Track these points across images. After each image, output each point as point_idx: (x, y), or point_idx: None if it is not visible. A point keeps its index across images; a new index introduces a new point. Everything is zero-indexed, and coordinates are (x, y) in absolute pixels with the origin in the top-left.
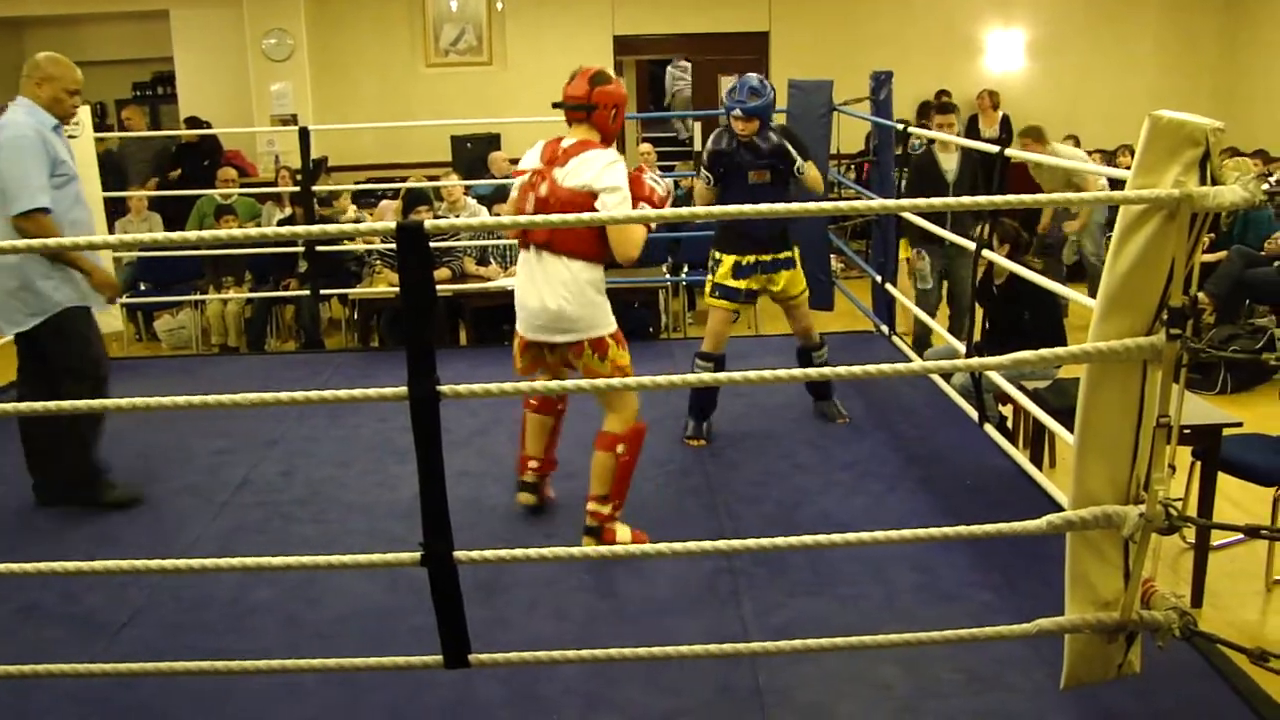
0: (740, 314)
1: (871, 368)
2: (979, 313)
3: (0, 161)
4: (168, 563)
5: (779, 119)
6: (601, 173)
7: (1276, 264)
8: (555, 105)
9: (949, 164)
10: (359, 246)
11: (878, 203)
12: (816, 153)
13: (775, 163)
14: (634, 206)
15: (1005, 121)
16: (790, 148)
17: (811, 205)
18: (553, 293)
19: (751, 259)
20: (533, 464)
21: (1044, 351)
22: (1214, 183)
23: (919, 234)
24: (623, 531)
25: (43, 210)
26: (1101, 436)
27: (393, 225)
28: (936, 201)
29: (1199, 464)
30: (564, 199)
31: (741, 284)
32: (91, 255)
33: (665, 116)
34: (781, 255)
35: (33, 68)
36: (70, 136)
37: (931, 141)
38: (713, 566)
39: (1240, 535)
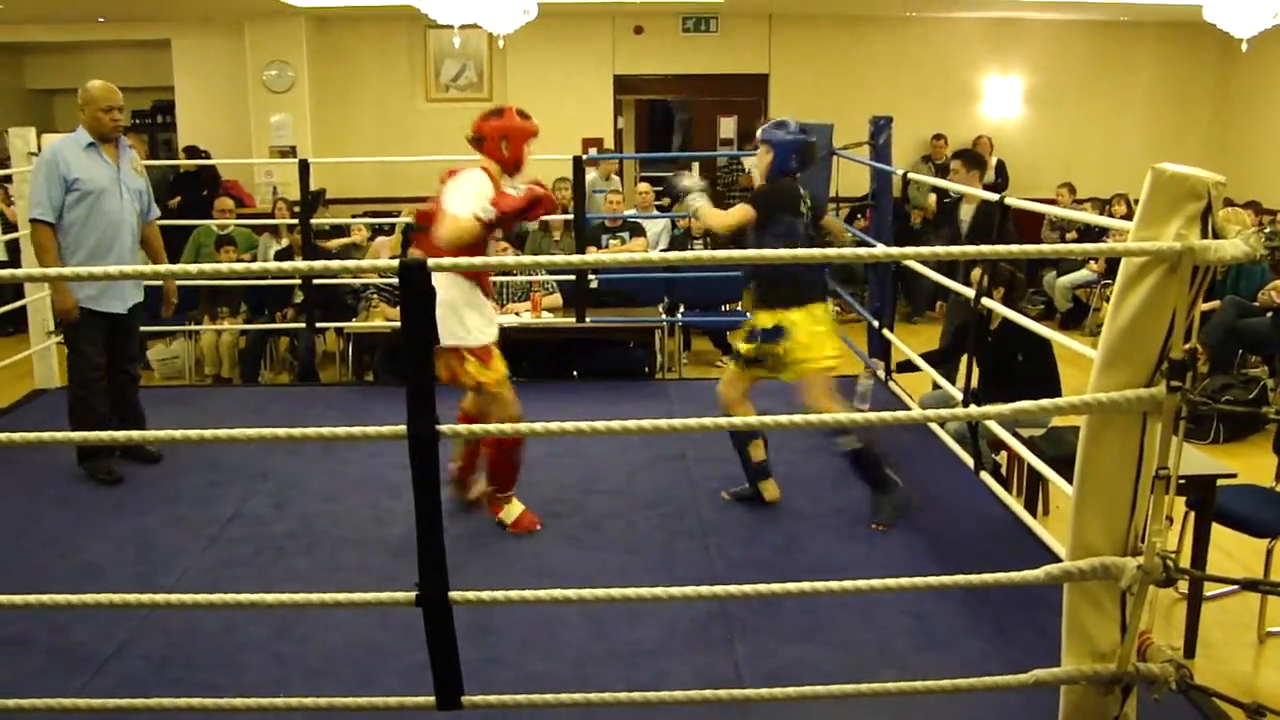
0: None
1: (873, 416)
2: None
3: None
4: (158, 597)
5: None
6: (457, 183)
7: (1269, 315)
8: (467, 139)
9: (965, 214)
10: (356, 281)
11: (875, 250)
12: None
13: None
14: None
15: (1000, 167)
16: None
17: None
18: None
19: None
20: (451, 465)
21: (1045, 402)
22: (1215, 236)
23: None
24: (510, 512)
25: (40, 222)
26: (1100, 487)
27: (395, 264)
28: (940, 250)
29: (1193, 514)
30: (435, 215)
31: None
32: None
33: (662, 158)
34: (759, 324)
35: (80, 95)
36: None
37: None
38: (706, 610)
39: (1234, 586)
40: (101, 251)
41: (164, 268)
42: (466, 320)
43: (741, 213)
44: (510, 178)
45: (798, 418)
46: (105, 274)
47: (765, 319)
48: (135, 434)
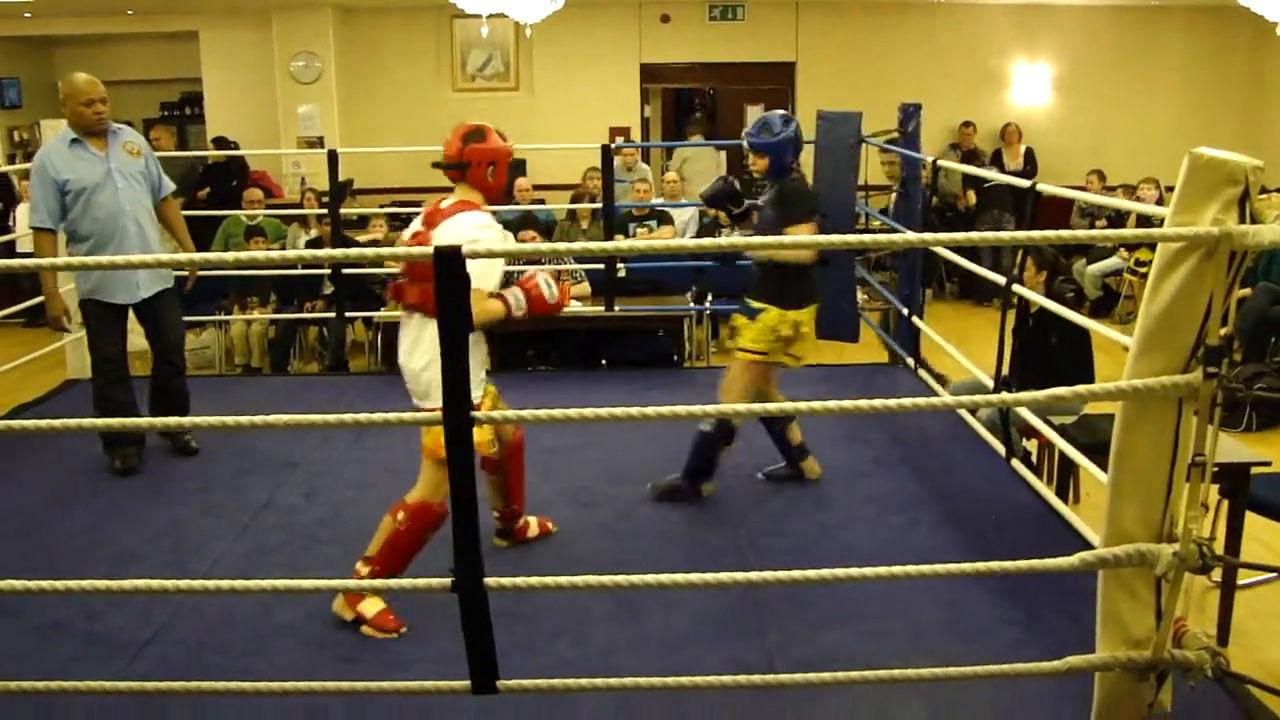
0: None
1: (906, 401)
2: (1008, 345)
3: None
4: (194, 583)
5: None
6: (466, 235)
7: None
8: (434, 165)
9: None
10: (384, 270)
11: (900, 236)
12: (836, 199)
13: (766, 212)
14: (522, 290)
15: (1029, 154)
16: (777, 206)
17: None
18: (416, 354)
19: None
20: (494, 513)
21: (1079, 388)
22: (1253, 221)
23: None
24: (372, 603)
25: (39, 229)
26: (1136, 474)
27: (430, 250)
28: (974, 236)
29: (1227, 502)
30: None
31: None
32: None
33: (685, 146)
34: (752, 302)
35: (60, 90)
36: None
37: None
38: (737, 598)
39: (1267, 575)
40: (102, 244)
41: (185, 257)
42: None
43: (811, 231)
44: (492, 204)
45: (830, 404)
46: (124, 263)
47: (776, 314)
48: (158, 420)
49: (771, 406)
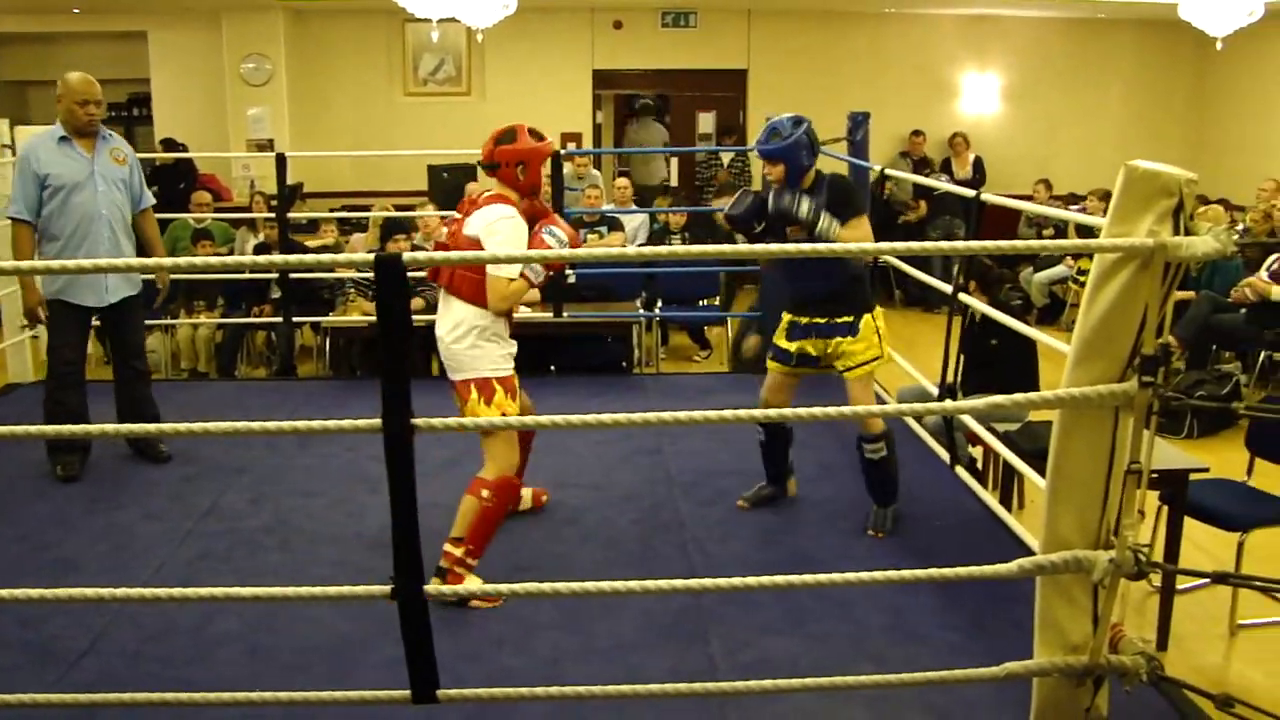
0: (801, 381)
1: (847, 410)
2: (954, 353)
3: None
4: (132, 591)
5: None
6: (491, 224)
7: (1243, 310)
8: (477, 164)
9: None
10: (332, 275)
11: (857, 246)
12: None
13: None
14: (542, 270)
15: (978, 163)
16: (822, 208)
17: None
18: (447, 329)
19: (805, 320)
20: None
21: (1018, 396)
22: (1187, 233)
23: None
24: (472, 580)
25: (16, 220)
26: (1073, 481)
27: (370, 257)
28: (915, 246)
29: (1166, 508)
30: (460, 245)
31: (792, 346)
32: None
33: (637, 153)
34: (840, 319)
35: (58, 87)
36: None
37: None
38: (682, 604)
39: (1205, 580)
40: (74, 244)
41: (138, 261)
42: (491, 350)
43: (866, 225)
44: (527, 201)
45: (771, 412)
46: (78, 268)
47: (847, 316)
48: (107, 428)
49: (712, 415)
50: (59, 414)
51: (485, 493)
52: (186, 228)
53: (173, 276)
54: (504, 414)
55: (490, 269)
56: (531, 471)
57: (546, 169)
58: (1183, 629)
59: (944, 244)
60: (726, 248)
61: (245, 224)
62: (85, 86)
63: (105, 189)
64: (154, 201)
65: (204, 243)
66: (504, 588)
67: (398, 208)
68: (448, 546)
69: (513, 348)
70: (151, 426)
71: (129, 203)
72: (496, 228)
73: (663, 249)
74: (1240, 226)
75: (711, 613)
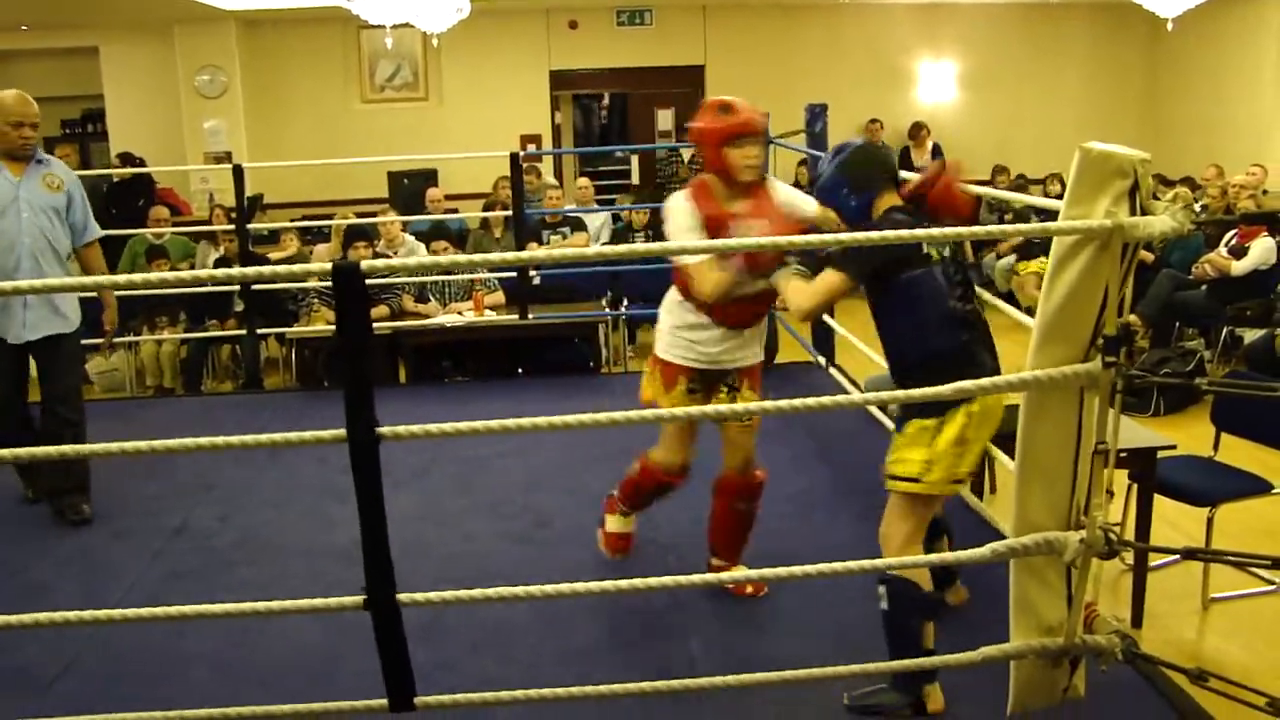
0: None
1: (812, 400)
2: None
3: None
4: (101, 613)
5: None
6: (669, 217)
7: (1204, 287)
8: None
9: None
10: (296, 286)
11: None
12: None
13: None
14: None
15: (936, 150)
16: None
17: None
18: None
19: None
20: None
21: (983, 380)
22: (1143, 213)
23: None
24: (615, 522)
25: None
26: (1041, 464)
27: (329, 266)
28: (875, 235)
29: (1135, 487)
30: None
31: None
32: None
33: (600, 151)
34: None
35: None
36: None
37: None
38: (661, 602)
39: (1175, 556)
40: None
41: (75, 280)
42: (664, 333)
43: (828, 278)
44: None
45: (737, 407)
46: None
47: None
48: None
49: (678, 412)
50: None
51: (636, 465)
52: (144, 244)
53: (131, 293)
54: (649, 401)
55: (683, 264)
56: (502, 474)
57: (744, 149)
58: (1156, 606)
59: (904, 232)
60: (689, 244)
61: (205, 237)
62: (20, 106)
63: (30, 216)
64: (100, 234)
65: (160, 261)
66: (476, 593)
67: (359, 215)
68: (613, 490)
69: (695, 342)
70: (116, 445)
71: (63, 233)
72: (669, 216)
73: (624, 248)
74: (1200, 205)
75: (690, 610)
